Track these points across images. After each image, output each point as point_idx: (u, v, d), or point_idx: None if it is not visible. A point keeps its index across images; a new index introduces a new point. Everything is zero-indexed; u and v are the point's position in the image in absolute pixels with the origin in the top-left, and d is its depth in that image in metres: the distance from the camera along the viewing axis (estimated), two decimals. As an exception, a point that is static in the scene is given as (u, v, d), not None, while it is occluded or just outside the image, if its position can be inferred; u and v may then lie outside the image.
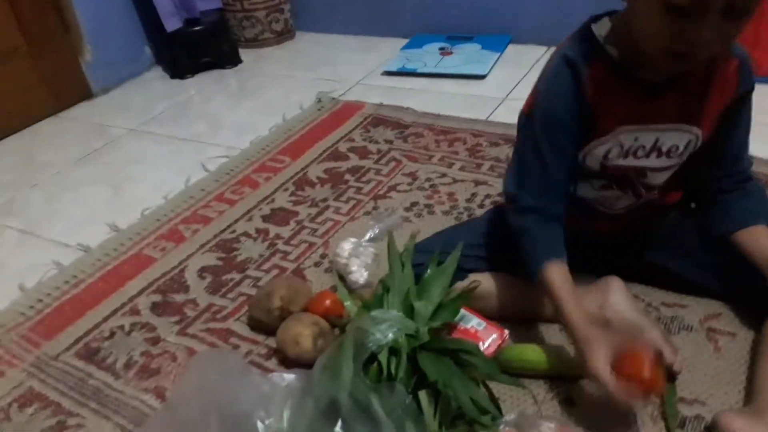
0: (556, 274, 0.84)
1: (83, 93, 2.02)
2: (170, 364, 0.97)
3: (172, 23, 2.02)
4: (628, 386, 0.73)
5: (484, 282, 0.94)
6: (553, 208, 0.87)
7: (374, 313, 0.83)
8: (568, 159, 0.86)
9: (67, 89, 1.98)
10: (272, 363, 0.96)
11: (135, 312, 1.09)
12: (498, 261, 0.97)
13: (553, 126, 0.84)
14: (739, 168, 0.91)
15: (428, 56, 1.97)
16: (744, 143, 0.91)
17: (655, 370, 0.74)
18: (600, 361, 0.75)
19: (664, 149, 0.85)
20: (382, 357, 0.79)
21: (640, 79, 0.81)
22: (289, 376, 0.86)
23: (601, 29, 0.82)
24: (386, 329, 0.80)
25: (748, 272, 0.88)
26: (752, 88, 0.85)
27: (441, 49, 2.00)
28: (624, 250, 0.97)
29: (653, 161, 0.86)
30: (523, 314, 0.96)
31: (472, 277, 0.94)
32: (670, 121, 0.84)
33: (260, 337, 1.00)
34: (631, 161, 0.86)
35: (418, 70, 1.90)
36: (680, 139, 0.85)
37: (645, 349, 0.76)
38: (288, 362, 0.94)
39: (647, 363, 0.74)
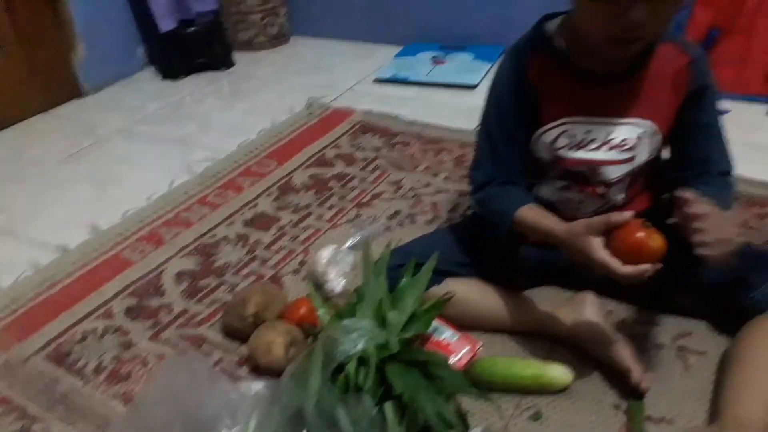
0: (527, 210, 0.88)
1: (74, 91, 2.02)
2: (140, 369, 0.97)
3: (166, 24, 2.02)
4: (634, 259, 0.73)
5: (460, 288, 0.94)
6: (506, 177, 0.93)
7: (345, 322, 0.82)
8: (517, 142, 0.91)
9: (58, 86, 1.98)
10: (244, 371, 0.95)
11: (109, 315, 1.08)
12: (475, 266, 0.98)
13: (500, 110, 0.91)
14: (707, 169, 0.90)
15: (420, 65, 1.97)
16: (712, 147, 0.92)
17: (647, 230, 0.74)
18: (598, 249, 0.75)
19: (615, 142, 0.88)
20: (351, 367, 0.78)
21: (587, 70, 0.85)
22: (258, 385, 0.85)
23: (551, 25, 0.88)
24: (356, 339, 0.80)
25: (720, 289, 0.88)
26: (707, 86, 0.87)
27: (434, 57, 2.00)
28: None
29: (604, 154, 0.89)
30: (497, 323, 0.96)
31: (449, 282, 0.95)
32: (619, 114, 0.87)
33: (233, 344, 1.00)
34: (582, 154, 0.89)
35: (410, 79, 1.91)
36: (631, 132, 0.88)
37: (627, 219, 0.75)
38: (259, 370, 0.93)
39: (638, 229, 0.74)
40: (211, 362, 0.95)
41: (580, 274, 0.99)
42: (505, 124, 0.92)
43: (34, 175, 1.60)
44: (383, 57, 2.09)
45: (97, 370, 0.97)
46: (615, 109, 0.87)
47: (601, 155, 0.89)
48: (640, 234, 0.74)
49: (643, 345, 0.92)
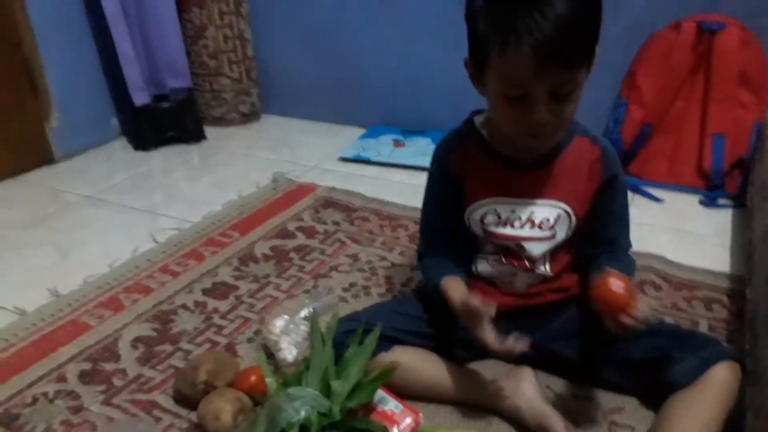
0: (448, 282, 0.99)
1: (45, 158, 2.06)
2: (90, 435, 0.98)
3: (140, 98, 2.11)
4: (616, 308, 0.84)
5: (406, 357, 1.00)
6: (438, 249, 1.07)
7: (290, 390, 0.87)
8: (448, 219, 1.04)
9: (29, 153, 2.02)
10: (193, 437, 0.97)
11: (62, 379, 1.09)
12: (423, 336, 1.04)
13: (432, 193, 1.07)
14: (614, 248, 1.03)
15: (382, 146, 2.09)
16: (620, 230, 1.04)
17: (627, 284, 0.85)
18: (479, 328, 0.91)
19: (537, 221, 0.98)
20: (292, 434, 0.81)
21: (509, 157, 0.97)
22: (204, 450, 0.87)
23: (480, 118, 1.00)
24: (299, 406, 0.84)
25: (645, 364, 0.96)
26: (617, 175, 0.99)
27: (395, 140, 2.13)
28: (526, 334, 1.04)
29: (527, 231, 0.99)
30: (439, 393, 1.00)
31: (396, 350, 1.00)
32: (539, 196, 0.98)
33: (183, 411, 1.01)
34: (509, 230, 0.99)
35: (372, 159, 2.02)
36: (551, 213, 0.98)
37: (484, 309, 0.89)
38: (208, 437, 0.95)
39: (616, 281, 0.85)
40: (159, 427, 0.96)
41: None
42: (437, 204, 1.06)
43: (-3, 239, 1.62)
44: (348, 138, 2.21)
45: (45, 434, 0.98)
46: (535, 191, 0.98)
47: (525, 232, 0.99)
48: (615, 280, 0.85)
49: (577, 419, 0.97)
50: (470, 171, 1.00)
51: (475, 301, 0.89)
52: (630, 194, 1.69)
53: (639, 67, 1.76)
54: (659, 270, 1.36)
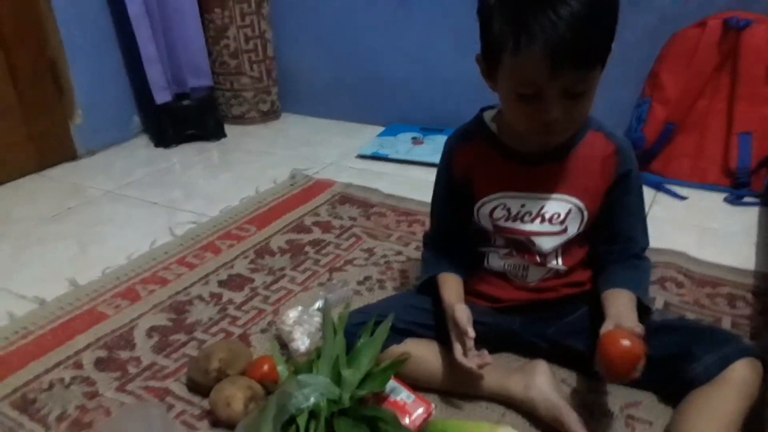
0: (442, 278, 1.02)
1: (68, 154, 2.10)
2: (103, 418, 0.98)
3: (161, 96, 2.14)
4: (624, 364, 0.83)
5: (418, 348, 0.99)
6: (441, 243, 1.09)
7: (301, 377, 0.86)
8: (453, 213, 1.05)
9: (52, 149, 2.06)
10: (204, 424, 0.97)
11: (78, 366, 1.10)
12: (435, 328, 1.03)
13: (440, 187, 1.08)
14: (630, 246, 1.00)
15: (401, 144, 2.08)
16: (635, 227, 1.01)
17: (632, 338, 0.83)
18: (456, 344, 0.94)
19: (547, 216, 0.97)
20: (301, 420, 0.81)
21: (519, 152, 0.96)
22: (214, 435, 0.87)
23: (490, 113, 0.99)
24: (309, 393, 0.84)
25: (665, 361, 0.93)
26: (631, 170, 0.97)
27: (413, 138, 2.12)
28: (540, 329, 1.04)
29: (537, 226, 0.97)
30: (452, 385, 0.99)
31: (409, 342, 1.00)
32: (549, 190, 0.96)
33: (196, 398, 1.02)
34: (519, 225, 0.98)
35: (390, 156, 2.01)
36: (561, 207, 0.96)
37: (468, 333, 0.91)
38: (220, 424, 0.95)
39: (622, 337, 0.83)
40: (167, 411, 0.96)
41: (533, 343, 1.04)
42: (443, 201, 1.08)
43: (18, 232, 1.65)
44: (367, 136, 2.21)
45: (60, 418, 0.98)
46: (546, 185, 0.96)
47: (536, 227, 0.97)
48: (625, 342, 0.82)
49: (593, 413, 0.95)
50: (479, 167, 0.99)
51: (463, 320, 0.91)
52: (653, 192, 1.68)
53: (663, 65, 1.73)
54: (681, 266, 1.33)
